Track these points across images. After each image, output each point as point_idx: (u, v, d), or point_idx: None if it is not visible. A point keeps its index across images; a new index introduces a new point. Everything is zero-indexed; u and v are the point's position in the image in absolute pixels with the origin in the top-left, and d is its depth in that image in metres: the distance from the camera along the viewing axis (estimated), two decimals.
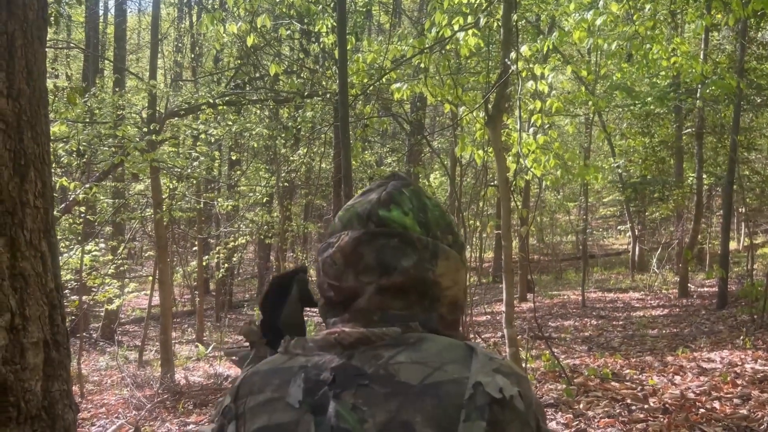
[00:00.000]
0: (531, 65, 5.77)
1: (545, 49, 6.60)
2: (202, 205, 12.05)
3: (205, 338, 11.86)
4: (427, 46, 6.41)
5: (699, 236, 14.27)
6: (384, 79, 7.52)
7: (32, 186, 1.37)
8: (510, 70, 5.18)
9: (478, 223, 13.96)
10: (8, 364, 1.25)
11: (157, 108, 8.85)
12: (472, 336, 8.17)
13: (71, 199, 8.38)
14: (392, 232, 0.91)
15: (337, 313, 0.92)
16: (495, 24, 6.13)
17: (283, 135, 11.51)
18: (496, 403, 0.79)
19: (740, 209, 15.73)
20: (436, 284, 0.91)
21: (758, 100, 13.50)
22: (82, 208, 9.56)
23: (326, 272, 0.94)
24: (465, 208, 14.80)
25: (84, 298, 8.97)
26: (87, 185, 7.91)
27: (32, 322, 1.33)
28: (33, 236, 1.36)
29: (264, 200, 13.59)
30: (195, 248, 12.54)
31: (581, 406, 5.16)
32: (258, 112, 11.69)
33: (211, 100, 9.09)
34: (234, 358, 1.06)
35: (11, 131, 1.33)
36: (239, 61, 11.97)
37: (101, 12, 17.49)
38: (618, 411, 4.96)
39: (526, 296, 13.40)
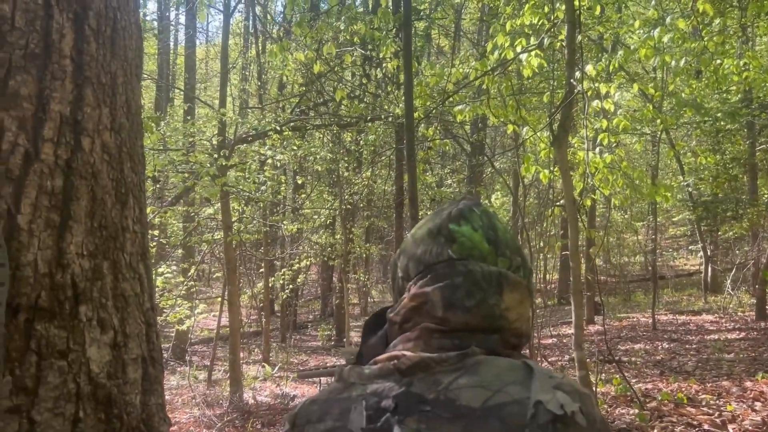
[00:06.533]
0: (596, 84, 5.72)
1: (611, 68, 6.52)
2: (268, 228, 12.30)
3: (271, 358, 12.04)
4: (489, 68, 6.44)
5: None
6: (446, 102, 7.58)
7: (131, 212, 1.46)
8: (575, 90, 5.14)
9: (542, 244, 13.77)
10: (112, 378, 1.33)
11: (227, 134, 9.14)
12: (539, 359, 8.04)
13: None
14: (456, 271, 0.92)
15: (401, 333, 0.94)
16: (558, 44, 6.11)
17: (345, 158, 11.68)
18: (559, 420, 0.79)
19: None
20: (502, 318, 0.91)
21: None
22: (155, 232, 9.90)
23: (397, 308, 0.96)
24: (529, 228, 14.66)
25: (157, 318, 9.23)
26: (162, 209, 8.21)
27: (132, 339, 1.42)
28: (132, 259, 1.45)
29: (327, 222, 13.78)
30: (261, 270, 12.80)
31: (655, 431, 5.01)
32: (321, 136, 11.91)
33: (277, 126, 9.33)
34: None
35: (114, 162, 1.42)
36: (303, 88, 12.24)
37: (171, 44, 18.22)
38: None
39: (593, 319, 13.09)
